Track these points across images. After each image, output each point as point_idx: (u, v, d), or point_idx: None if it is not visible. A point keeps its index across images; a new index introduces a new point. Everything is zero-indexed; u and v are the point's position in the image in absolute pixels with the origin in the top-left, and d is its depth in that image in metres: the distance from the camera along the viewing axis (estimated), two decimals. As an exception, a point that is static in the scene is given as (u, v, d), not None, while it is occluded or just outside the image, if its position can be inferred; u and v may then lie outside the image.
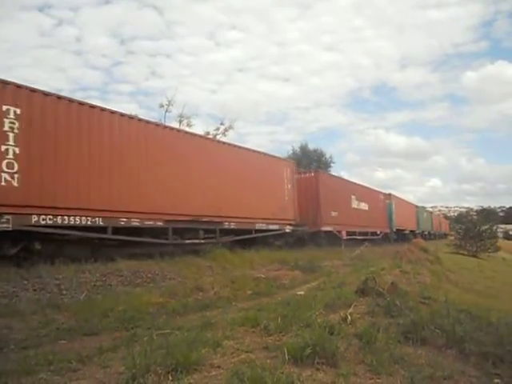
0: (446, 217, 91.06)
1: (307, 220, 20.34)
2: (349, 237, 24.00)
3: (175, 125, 27.69)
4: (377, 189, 33.59)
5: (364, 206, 27.98)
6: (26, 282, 8.19)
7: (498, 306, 8.20)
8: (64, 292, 8.32)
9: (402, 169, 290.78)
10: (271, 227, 17.46)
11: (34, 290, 8.07)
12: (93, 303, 7.71)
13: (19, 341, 5.66)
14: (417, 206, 46.46)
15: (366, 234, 27.40)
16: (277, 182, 18.35)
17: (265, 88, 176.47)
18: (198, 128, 29.02)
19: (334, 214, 22.59)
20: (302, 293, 9.05)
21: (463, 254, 27.14)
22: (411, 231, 40.86)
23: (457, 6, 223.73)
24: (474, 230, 29.61)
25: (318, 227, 21.05)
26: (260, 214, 16.63)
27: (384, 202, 33.01)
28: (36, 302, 7.57)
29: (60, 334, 6.10)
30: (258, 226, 16.62)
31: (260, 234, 16.75)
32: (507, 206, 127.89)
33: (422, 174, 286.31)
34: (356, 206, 26.64)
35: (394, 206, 34.78)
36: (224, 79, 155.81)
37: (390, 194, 35.08)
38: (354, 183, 28.77)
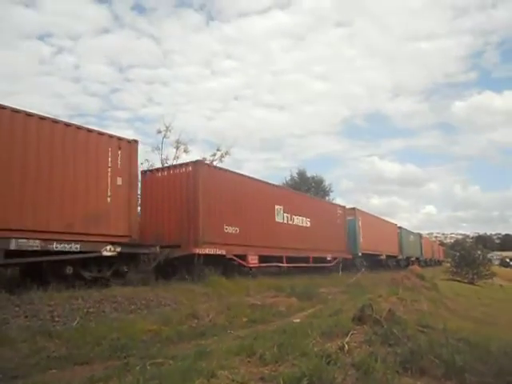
0: (442, 243, 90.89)
1: (180, 238, 13.89)
2: (266, 264, 17.30)
3: (172, 151, 27.93)
4: (332, 201, 28.40)
5: (302, 221, 20.85)
6: (17, 309, 8.05)
7: (497, 334, 8.09)
8: (56, 319, 8.16)
9: (397, 196, 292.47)
10: (60, 247, 10.05)
11: (26, 317, 7.91)
12: (85, 330, 7.57)
13: (8, 370, 5.52)
14: (400, 227, 39.74)
15: (305, 259, 20.55)
16: (86, 170, 11.12)
17: (260, 115, 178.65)
18: (195, 154, 29.09)
19: (230, 229, 15.38)
20: (298, 320, 8.93)
21: (460, 281, 26.97)
22: (391, 257, 34.91)
23: (446, 38, 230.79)
24: (469, 256, 29.50)
25: (189, 249, 13.57)
26: (28, 222, 9.68)
27: (342, 219, 25.71)
28: (27, 329, 7.41)
29: (51, 362, 5.96)
30: (16, 245, 9.22)
31: (24, 260, 9.71)
32: (503, 233, 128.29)
33: (417, 201, 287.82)
34: (284, 221, 19.34)
35: (359, 223, 27.75)
36: (220, 107, 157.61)
37: (354, 209, 28.23)
38: (284, 188, 22.18)
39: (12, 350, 6.33)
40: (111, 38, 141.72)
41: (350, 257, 25.85)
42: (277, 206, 18.95)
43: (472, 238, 75.14)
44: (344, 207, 27.01)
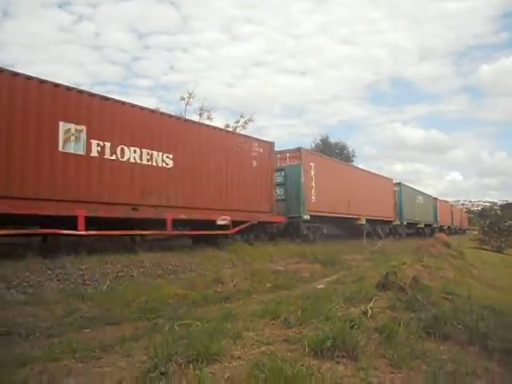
0: (469, 211, 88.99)
1: None
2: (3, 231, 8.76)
3: (196, 118, 27.89)
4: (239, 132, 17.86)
5: (149, 158, 11.72)
6: (50, 272, 8.38)
7: (523, 302, 8.02)
8: (87, 282, 8.51)
9: (421, 162, 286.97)
10: None
11: (59, 280, 8.26)
12: (115, 293, 7.86)
13: (44, 329, 5.82)
14: (399, 184, 30.33)
15: (154, 223, 11.74)
16: None
17: (282, 81, 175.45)
18: (218, 121, 28.95)
19: None
20: (321, 286, 9.05)
21: (487, 250, 26.61)
22: (381, 222, 26.60)
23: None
24: (499, 224, 28.95)
25: None
26: None
27: (265, 161, 16.12)
28: (60, 291, 7.76)
29: (83, 322, 6.24)
30: None
31: None
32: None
33: (442, 167, 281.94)
34: (88, 153, 10.34)
35: (311, 172, 18.81)
36: (241, 73, 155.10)
37: (299, 150, 18.76)
38: (93, 95, 10.93)
39: (47, 311, 6.64)
40: (130, 5, 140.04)
41: (282, 220, 16.92)
42: (66, 125, 9.94)
43: (500, 205, 73.18)
44: (269, 143, 16.84)
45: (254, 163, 15.65)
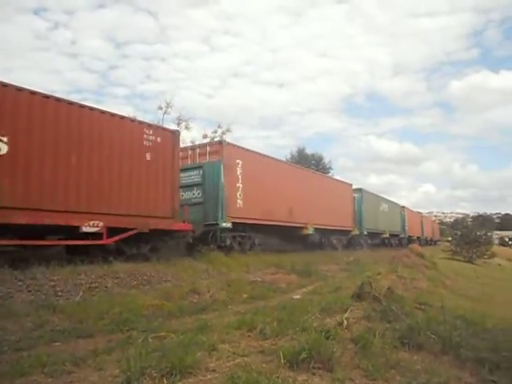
0: (441, 222, 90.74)
1: None
2: None
3: (174, 127, 27.78)
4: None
5: None
6: (20, 284, 8.13)
7: (494, 312, 8.20)
8: (59, 293, 8.27)
9: (395, 174, 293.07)
10: None
11: (29, 291, 8.01)
12: (88, 305, 7.67)
13: (13, 342, 5.62)
14: (360, 190, 27.91)
15: None
16: None
17: (260, 93, 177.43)
18: (196, 131, 28.81)
19: None
20: (298, 297, 9.07)
21: (459, 260, 27.18)
22: (336, 231, 23.99)
23: (448, 15, 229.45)
24: (470, 235, 29.64)
25: None
26: None
27: (165, 153, 12.66)
28: (31, 303, 7.52)
29: (54, 335, 6.06)
30: None
31: None
32: (503, 213, 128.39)
33: (415, 179, 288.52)
34: None
35: (238, 172, 15.64)
36: (219, 84, 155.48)
37: (221, 143, 15.80)
38: None
39: (16, 324, 6.42)
40: (107, 13, 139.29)
41: (187, 228, 13.21)
42: None
43: (472, 217, 74.93)
44: (171, 132, 13.39)
45: (148, 156, 12.22)
